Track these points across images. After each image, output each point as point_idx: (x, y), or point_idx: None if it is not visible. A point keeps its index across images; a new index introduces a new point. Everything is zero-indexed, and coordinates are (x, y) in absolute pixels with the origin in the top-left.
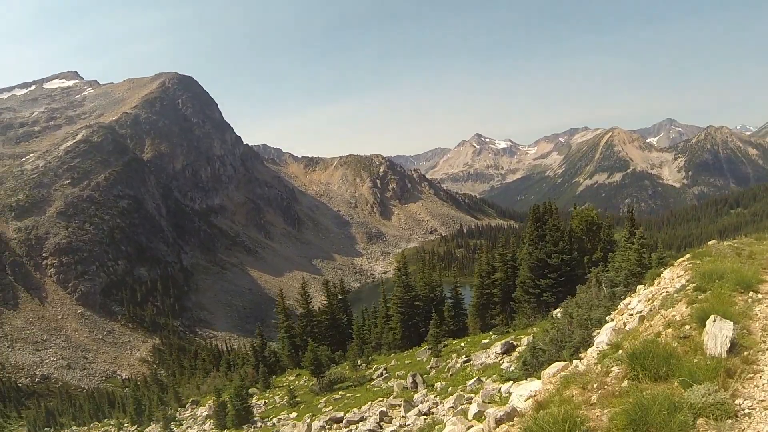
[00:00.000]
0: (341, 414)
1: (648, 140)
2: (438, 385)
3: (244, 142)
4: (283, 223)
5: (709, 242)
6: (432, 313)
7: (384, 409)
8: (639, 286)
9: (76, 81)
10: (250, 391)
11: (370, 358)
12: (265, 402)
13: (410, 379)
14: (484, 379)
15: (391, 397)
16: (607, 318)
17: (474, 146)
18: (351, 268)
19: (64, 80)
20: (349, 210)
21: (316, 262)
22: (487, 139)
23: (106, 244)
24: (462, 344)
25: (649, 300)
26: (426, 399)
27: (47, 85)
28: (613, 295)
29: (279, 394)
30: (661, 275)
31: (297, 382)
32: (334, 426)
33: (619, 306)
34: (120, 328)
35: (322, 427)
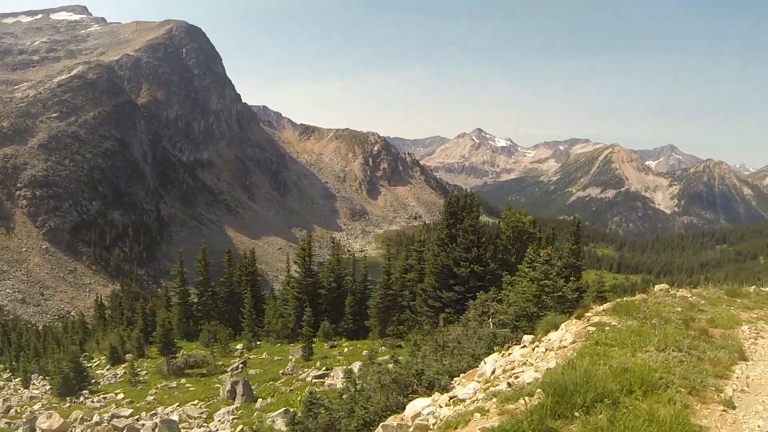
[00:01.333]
0: (125, 412)
1: (647, 162)
2: (259, 402)
3: (243, 101)
4: (268, 186)
5: (657, 287)
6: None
7: (174, 417)
8: (525, 337)
9: (84, 16)
10: (127, 357)
11: (252, 344)
12: (116, 375)
13: (229, 386)
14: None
15: (199, 404)
16: (443, 381)
17: (473, 140)
18: (329, 241)
19: (71, 13)
20: (337, 184)
21: (295, 230)
22: (488, 135)
23: (83, 183)
24: (345, 349)
25: (485, 385)
26: (223, 420)
27: (54, 16)
28: (493, 340)
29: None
30: (560, 328)
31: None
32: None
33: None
34: (83, 269)
35: (98, 422)
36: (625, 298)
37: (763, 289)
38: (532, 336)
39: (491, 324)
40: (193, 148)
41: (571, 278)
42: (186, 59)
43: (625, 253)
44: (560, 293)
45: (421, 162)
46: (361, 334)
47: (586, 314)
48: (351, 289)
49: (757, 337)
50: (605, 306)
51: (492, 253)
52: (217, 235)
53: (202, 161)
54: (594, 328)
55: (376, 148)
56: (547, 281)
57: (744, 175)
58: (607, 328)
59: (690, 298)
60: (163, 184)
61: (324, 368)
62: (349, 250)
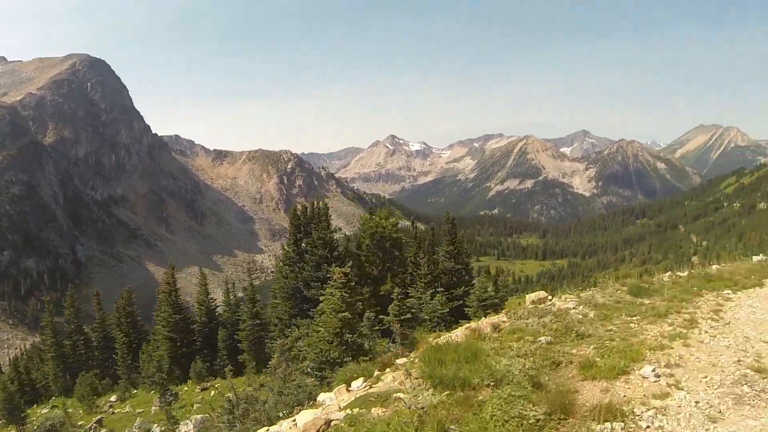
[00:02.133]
0: None
1: (562, 149)
2: None
3: (153, 132)
4: (185, 216)
5: (531, 296)
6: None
7: None
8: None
9: None
10: None
11: (126, 394)
12: None
13: None
14: None
15: None
16: None
17: (388, 147)
18: (252, 264)
19: None
20: (254, 206)
21: (216, 257)
22: (401, 141)
23: None
24: (212, 392)
25: None
26: None
27: None
28: (297, 390)
29: None
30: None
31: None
32: None
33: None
34: None
35: None
36: (461, 329)
37: (679, 274)
38: (361, 380)
39: (298, 372)
40: (106, 185)
41: (453, 287)
42: (91, 94)
43: (549, 239)
44: (409, 315)
45: (337, 174)
46: (241, 372)
47: (393, 363)
48: (224, 321)
49: (667, 395)
50: (416, 354)
51: (355, 267)
52: (138, 272)
53: (115, 197)
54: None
55: (289, 166)
56: (347, 314)
57: (656, 150)
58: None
59: (572, 311)
60: (78, 225)
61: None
62: (272, 272)
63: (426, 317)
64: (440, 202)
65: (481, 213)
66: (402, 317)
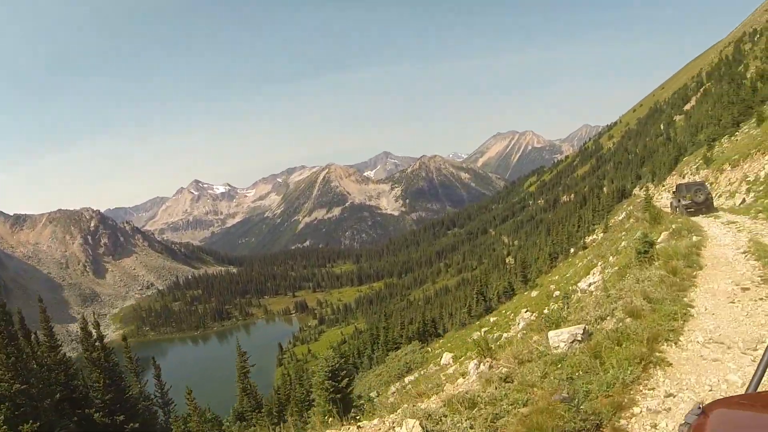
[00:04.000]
0: None
1: (365, 173)
2: None
3: None
4: None
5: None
6: None
7: None
8: None
9: None
10: None
11: None
12: None
13: None
14: None
15: None
16: None
17: (192, 192)
18: (66, 337)
19: None
20: (61, 271)
21: None
22: (206, 185)
23: None
24: None
25: None
26: None
27: None
28: None
29: None
30: None
31: None
32: None
33: None
34: None
35: None
36: None
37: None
38: None
39: None
40: None
41: None
42: None
43: (363, 264)
44: None
45: (146, 226)
46: None
47: None
48: None
49: None
50: None
51: None
52: None
53: None
54: None
55: (92, 224)
56: None
57: (458, 162)
58: None
59: None
60: None
61: None
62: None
63: None
64: (251, 242)
65: (293, 247)
66: None
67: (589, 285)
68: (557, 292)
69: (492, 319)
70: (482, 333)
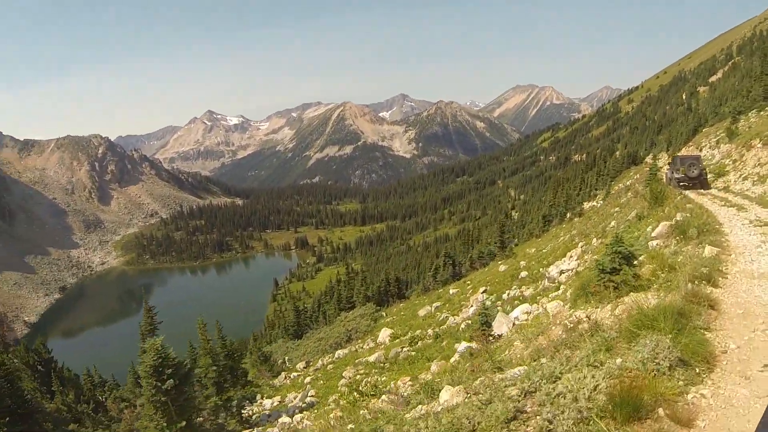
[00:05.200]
0: None
1: (381, 114)
2: None
3: None
4: None
5: None
6: None
7: None
8: None
9: None
10: None
11: None
12: None
13: None
14: None
15: None
16: None
17: (205, 123)
18: (68, 261)
19: None
20: (66, 197)
21: (29, 258)
22: (219, 116)
23: None
24: None
25: None
26: None
27: None
28: None
29: None
30: None
31: None
32: None
33: None
34: None
35: None
36: None
37: None
38: None
39: None
40: None
41: None
42: None
43: (368, 204)
44: None
45: (156, 154)
46: None
47: None
48: None
49: None
50: None
51: None
52: None
53: None
54: None
55: (100, 151)
56: None
57: (475, 110)
58: None
59: None
60: None
61: None
62: (89, 266)
63: None
64: (261, 175)
65: (302, 182)
66: None
67: (560, 273)
68: (524, 273)
69: (452, 291)
70: (432, 309)
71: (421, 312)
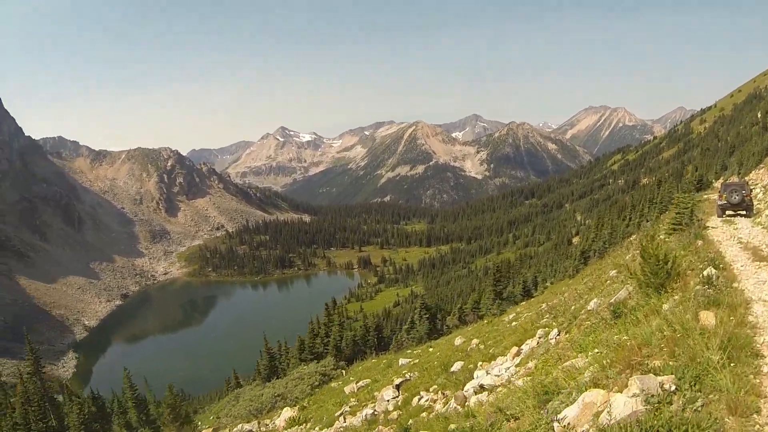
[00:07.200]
0: None
1: (453, 134)
2: None
3: (27, 134)
4: (61, 223)
5: None
6: None
7: None
8: None
9: None
10: None
11: None
12: None
13: None
14: None
15: None
16: None
17: (278, 139)
18: (131, 269)
19: None
20: (134, 207)
21: (94, 265)
22: (292, 132)
23: None
24: None
25: None
26: None
27: None
28: None
29: None
30: None
31: None
32: None
33: None
34: None
35: None
36: None
37: None
38: None
39: None
40: None
41: None
42: None
43: (435, 225)
44: None
45: (229, 168)
46: None
47: None
48: None
49: None
50: None
51: None
52: (8, 288)
53: None
54: None
55: (169, 164)
56: None
57: (546, 132)
58: None
59: None
60: None
61: None
62: (153, 275)
63: None
64: (332, 192)
65: (373, 201)
66: None
67: (481, 388)
68: (458, 363)
69: (402, 361)
70: (356, 389)
71: (347, 389)
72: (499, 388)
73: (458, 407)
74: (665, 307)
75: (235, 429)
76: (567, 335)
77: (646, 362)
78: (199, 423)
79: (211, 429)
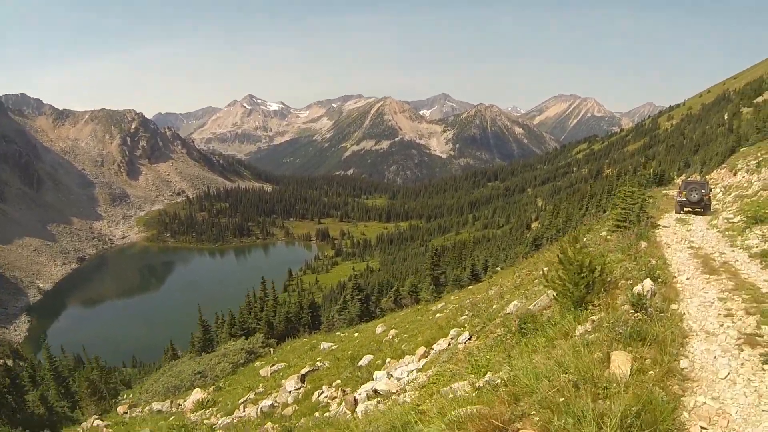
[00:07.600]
0: None
1: (421, 112)
2: None
3: None
4: (19, 183)
5: None
6: None
7: None
8: None
9: None
10: None
11: None
12: None
13: None
14: None
15: None
16: None
17: (245, 107)
18: (89, 232)
19: None
20: (95, 169)
21: (51, 226)
22: (260, 101)
23: None
24: None
25: None
26: None
27: None
28: None
29: None
30: None
31: None
32: None
33: None
34: None
35: None
36: None
37: None
38: None
39: None
40: None
41: None
42: None
43: (396, 201)
44: None
45: (194, 134)
46: None
47: None
48: None
49: None
50: None
51: None
52: None
53: None
54: None
55: (133, 126)
56: None
57: (515, 116)
58: None
59: None
60: None
61: None
62: (110, 239)
63: None
64: (296, 162)
65: (336, 173)
66: None
67: (375, 393)
68: (368, 357)
69: (324, 345)
70: (270, 372)
71: (262, 372)
72: (393, 396)
73: (347, 412)
74: (579, 330)
75: (147, 408)
76: (476, 341)
77: None
78: (125, 397)
79: (126, 405)
